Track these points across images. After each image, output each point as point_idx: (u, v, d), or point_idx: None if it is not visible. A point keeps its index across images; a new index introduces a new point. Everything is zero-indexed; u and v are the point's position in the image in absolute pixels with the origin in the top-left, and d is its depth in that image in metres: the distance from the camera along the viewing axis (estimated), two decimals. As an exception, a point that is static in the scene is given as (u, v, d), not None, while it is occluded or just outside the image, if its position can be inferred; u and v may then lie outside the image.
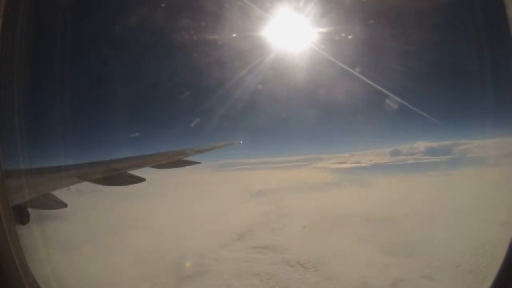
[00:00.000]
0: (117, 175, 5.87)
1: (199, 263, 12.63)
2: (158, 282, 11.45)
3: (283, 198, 20.97)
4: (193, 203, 19.06)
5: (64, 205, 5.06)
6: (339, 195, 20.93)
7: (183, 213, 17.62)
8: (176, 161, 7.03)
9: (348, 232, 15.25)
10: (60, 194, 5.01)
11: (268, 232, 15.92)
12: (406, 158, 27.18)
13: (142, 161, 6.68)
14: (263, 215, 17.79)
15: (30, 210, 4.12)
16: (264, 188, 22.51)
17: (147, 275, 11.51)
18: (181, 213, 17.59)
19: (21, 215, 3.91)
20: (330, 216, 16.74)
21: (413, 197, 18.30)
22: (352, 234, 15.03)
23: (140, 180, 5.99)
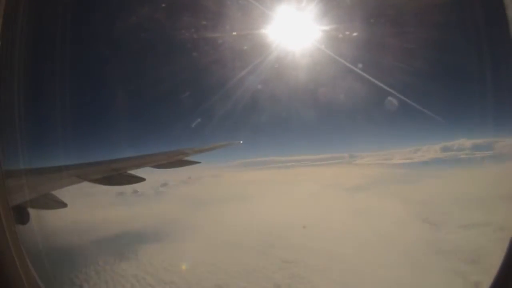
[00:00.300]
0: (117, 175, 5.86)
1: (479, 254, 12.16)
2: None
3: (392, 190, 21.33)
4: (315, 202, 19.04)
5: (64, 205, 5.05)
6: (443, 183, 21.51)
7: (340, 212, 17.61)
8: (176, 161, 7.02)
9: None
10: (60, 194, 5.00)
11: (445, 214, 16.32)
12: (457, 154, 27.80)
13: (142, 161, 6.67)
14: (408, 206, 18.11)
15: (30, 210, 4.11)
16: (352, 183, 23.02)
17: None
18: (338, 213, 17.64)
19: (21, 215, 3.90)
20: (479, 196, 17.06)
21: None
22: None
23: (140, 180, 5.98)
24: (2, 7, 2.38)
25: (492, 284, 2.31)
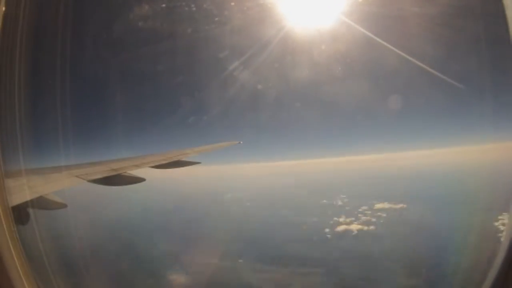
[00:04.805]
0: (117, 175, 5.86)
1: None
2: None
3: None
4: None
5: (64, 205, 5.04)
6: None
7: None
8: (176, 161, 7.03)
9: None
10: (60, 194, 5.00)
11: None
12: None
13: (142, 161, 6.68)
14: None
15: (30, 210, 4.11)
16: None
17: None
18: None
19: (21, 215, 3.89)
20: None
21: None
22: None
23: (140, 180, 5.98)
24: (2, 7, 2.38)
25: (492, 284, 2.31)
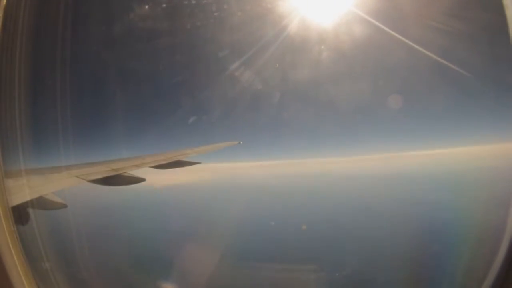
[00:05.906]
0: (116, 176, 5.87)
1: None
2: None
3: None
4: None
5: (64, 205, 5.05)
6: None
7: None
8: (176, 161, 7.04)
9: None
10: (60, 194, 5.00)
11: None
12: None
13: (141, 161, 6.68)
14: None
15: (30, 210, 4.11)
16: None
17: None
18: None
19: (21, 215, 3.89)
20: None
21: None
22: None
23: (140, 180, 5.98)
24: (2, 7, 2.38)
25: (492, 284, 2.31)
